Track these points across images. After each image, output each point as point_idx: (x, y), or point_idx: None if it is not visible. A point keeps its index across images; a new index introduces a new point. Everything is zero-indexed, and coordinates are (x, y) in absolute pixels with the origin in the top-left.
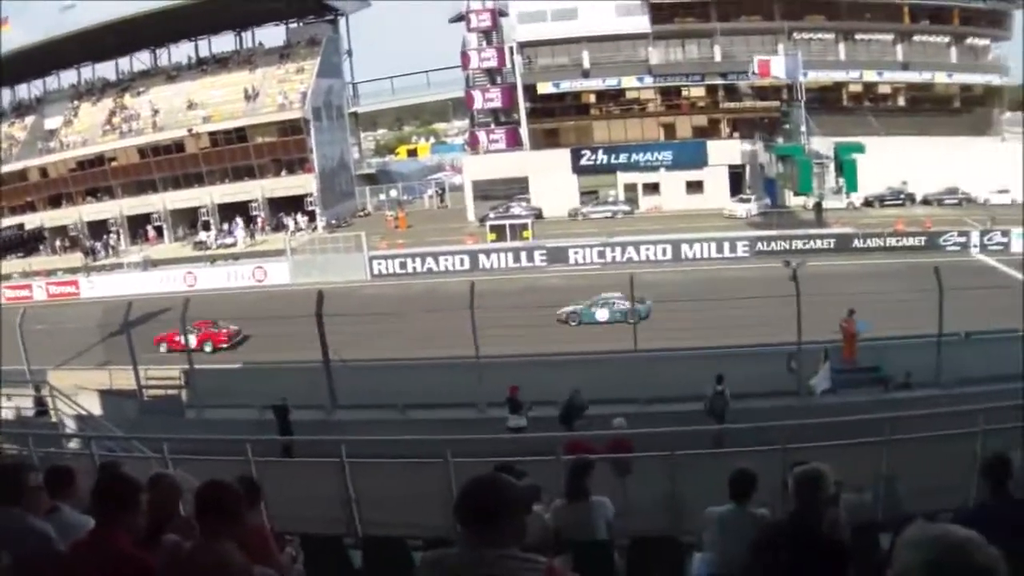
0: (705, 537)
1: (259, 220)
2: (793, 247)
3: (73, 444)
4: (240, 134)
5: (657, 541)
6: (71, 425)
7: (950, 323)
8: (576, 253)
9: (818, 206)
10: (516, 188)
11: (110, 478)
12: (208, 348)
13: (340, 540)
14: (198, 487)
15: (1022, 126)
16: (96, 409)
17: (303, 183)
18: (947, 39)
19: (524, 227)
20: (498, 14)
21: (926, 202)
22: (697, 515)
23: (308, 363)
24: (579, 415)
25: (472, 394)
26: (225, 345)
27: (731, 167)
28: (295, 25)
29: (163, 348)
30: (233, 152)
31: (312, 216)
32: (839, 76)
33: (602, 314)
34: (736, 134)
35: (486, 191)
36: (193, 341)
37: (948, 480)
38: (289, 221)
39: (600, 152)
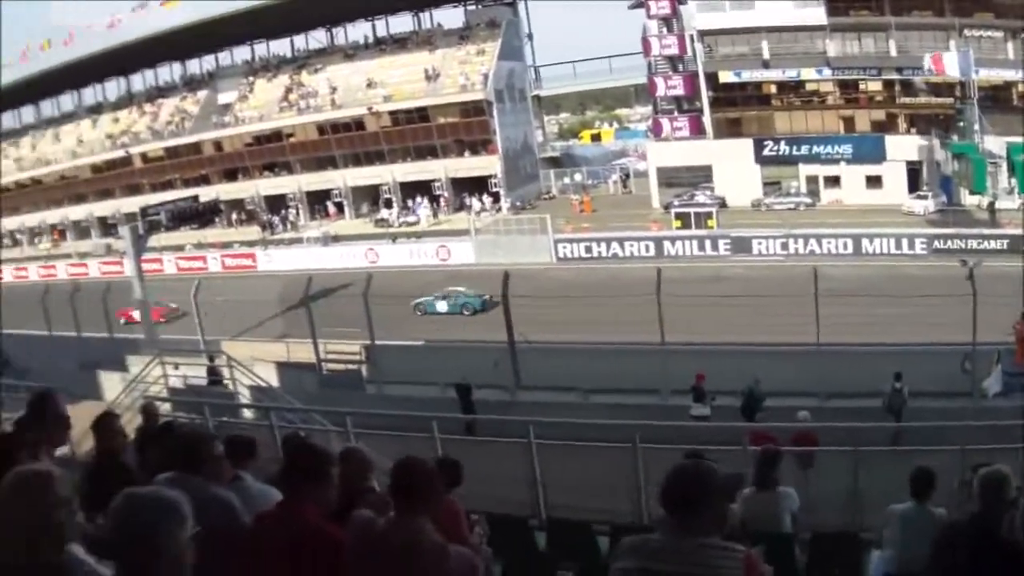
0: (885, 534)
1: (442, 199)
2: (968, 246)
3: (249, 414)
4: (422, 114)
5: (837, 536)
6: (247, 396)
7: None
8: (759, 244)
9: (991, 206)
10: (700, 176)
11: (302, 449)
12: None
13: (525, 522)
14: (395, 463)
15: None
16: (273, 381)
17: (487, 164)
18: None
19: (709, 215)
20: (677, 1)
21: None
22: (876, 511)
23: (490, 343)
24: (759, 406)
25: (655, 380)
26: (163, 321)
27: (908, 163)
28: (473, 7)
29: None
30: (415, 131)
31: (496, 197)
32: (1009, 75)
33: (442, 306)
34: (913, 130)
35: (670, 178)
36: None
37: None
38: (473, 201)
39: (782, 143)
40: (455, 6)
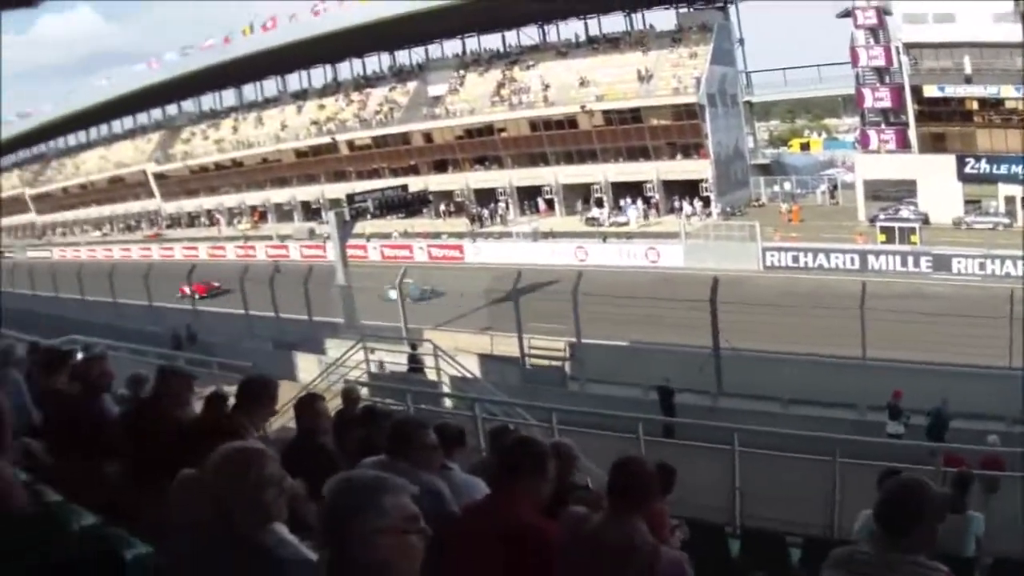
0: None
1: (653, 201)
2: None
3: (448, 403)
4: (635, 114)
5: (1020, 564)
6: (448, 385)
7: None
8: (959, 263)
9: None
10: (904, 190)
11: (519, 443)
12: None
13: (722, 528)
14: (616, 461)
15: None
16: (476, 372)
17: (698, 168)
18: None
19: (912, 231)
20: (883, 12)
21: None
22: None
23: (696, 347)
24: (945, 428)
25: (853, 395)
26: (204, 295)
27: None
28: (685, 10)
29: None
30: (627, 132)
31: (707, 202)
32: None
33: (392, 294)
34: None
35: (876, 191)
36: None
37: None
38: (684, 205)
39: (983, 161)
40: (667, 8)
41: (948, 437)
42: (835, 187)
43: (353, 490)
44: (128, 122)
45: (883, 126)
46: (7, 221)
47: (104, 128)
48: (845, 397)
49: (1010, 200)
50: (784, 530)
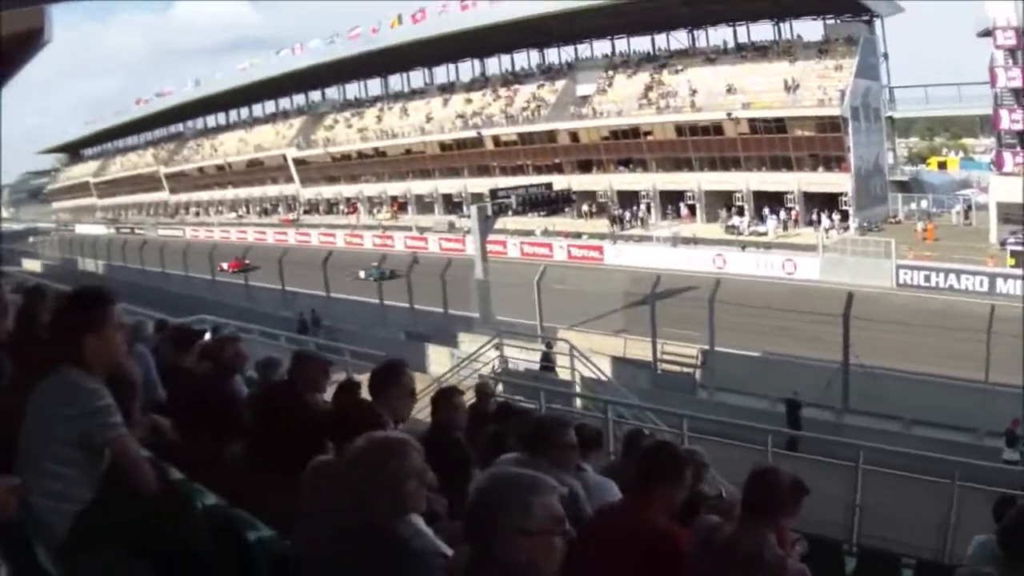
0: None
1: (793, 213)
2: None
3: (578, 403)
4: (779, 124)
5: None
6: (580, 386)
7: None
8: None
9: None
10: None
11: (659, 450)
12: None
13: (839, 546)
14: (753, 471)
15: None
16: (608, 374)
17: (839, 181)
18: None
19: None
20: (1022, 34)
21: None
22: None
23: (826, 362)
24: None
25: (972, 419)
26: (236, 269)
27: None
28: (832, 21)
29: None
30: (771, 141)
31: (845, 216)
32: None
33: (362, 274)
34: None
35: (1008, 214)
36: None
37: None
38: (823, 218)
39: None
40: (815, 19)
41: None
42: (969, 207)
43: (504, 487)
44: (270, 107)
45: (1019, 148)
46: (139, 199)
47: (245, 111)
48: (965, 420)
49: None
50: (898, 551)
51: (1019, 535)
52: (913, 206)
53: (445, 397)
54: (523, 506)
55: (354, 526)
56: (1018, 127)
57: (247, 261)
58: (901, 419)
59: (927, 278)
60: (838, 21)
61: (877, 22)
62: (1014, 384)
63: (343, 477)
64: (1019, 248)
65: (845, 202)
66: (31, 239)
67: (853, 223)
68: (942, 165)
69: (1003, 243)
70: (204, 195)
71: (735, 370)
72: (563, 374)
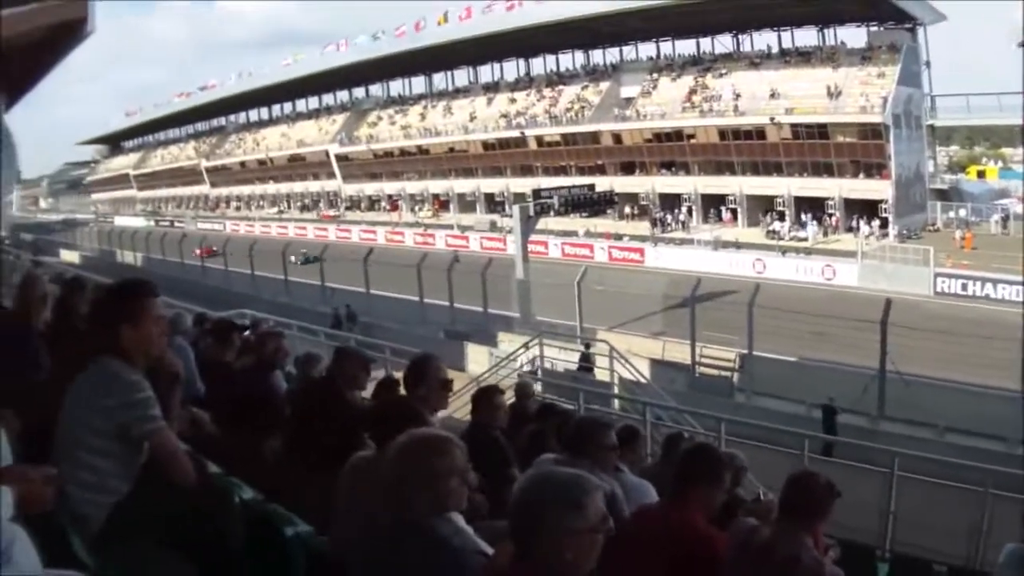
0: None
1: (834, 219)
2: None
3: (616, 404)
4: (821, 130)
5: None
6: (619, 387)
7: None
8: None
9: None
10: None
11: (699, 453)
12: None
13: (873, 551)
14: (791, 475)
15: None
16: (646, 376)
17: (879, 188)
18: None
19: None
20: None
21: None
22: None
23: (862, 368)
24: None
25: (1005, 427)
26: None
27: None
28: (875, 28)
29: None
30: (813, 147)
31: (885, 223)
32: None
33: (292, 259)
34: None
35: None
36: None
37: None
38: (862, 224)
39: None
40: (858, 26)
41: None
42: (1007, 217)
43: (553, 487)
44: (313, 102)
45: None
46: (180, 191)
47: (287, 106)
48: (998, 429)
49: None
50: (929, 557)
51: None
52: (952, 215)
53: (485, 396)
54: (574, 505)
55: (393, 523)
56: None
57: (214, 248)
58: (935, 426)
59: (964, 287)
60: (881, 28)
61: (920, 30)
62: None
63: (383, 474)
64: None
65: (885, 209)
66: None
67: (892, 230)
68: (981, 174)
69: None
70: (245, 189)
71: (772, 374)
72: (602, 375)
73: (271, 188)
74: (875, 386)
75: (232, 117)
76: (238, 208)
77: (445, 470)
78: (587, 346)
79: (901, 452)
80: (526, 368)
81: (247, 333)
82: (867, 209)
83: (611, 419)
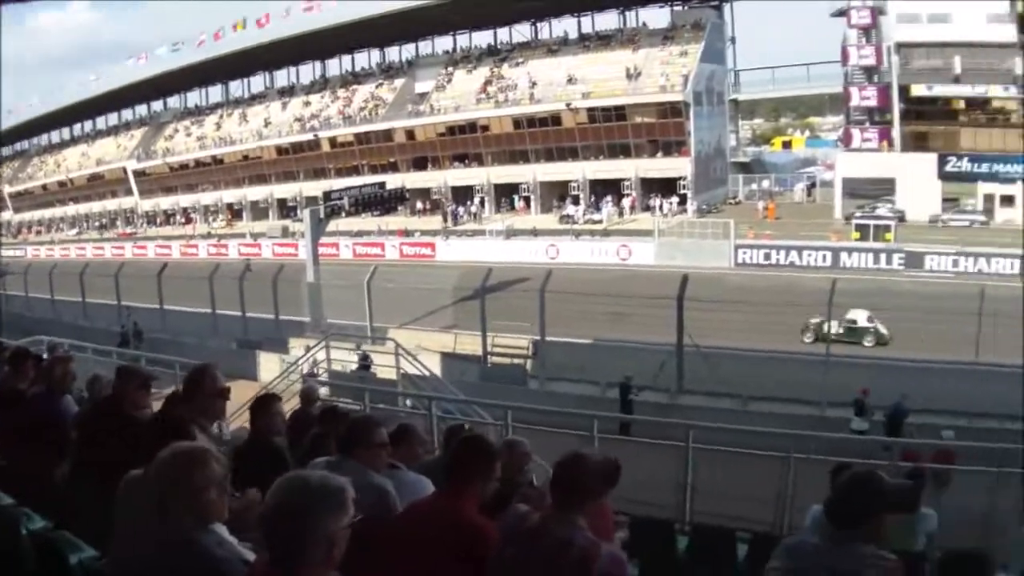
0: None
1: (630, 199)
2: None
3: (408, 403)
4: (619, 112)
5: (966, 556)
6: (406, 384)
7: None
8: (932, 260)
9: None
10: (884, 189)
11: (470, 443)
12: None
13: (671, 525)
14: (559, 458)
15: None
16: (437, 371)
17: (678, 166)
18: None
19: (887, 229)
20: (877, 12)
21: None
22: (1008, 533)
23: (659, 345)
24: (902, 423)
25: (815, 392)
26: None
27: None
28: (680, 7)
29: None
30: (610, 130)
31: (683, 199)
32: None
33: None
34: None
35: (854, 189)
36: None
37: None
38: (660, 202)
39: (965, 160)
40: (661, 6)
41: (908, 432)
42: (813, 185)
43: (294, 491)
44: (113, 119)
45: (867, 125)
46: None
47: (88, 124)
48: (807, 394)
49: (989, 198)
50: (732, 526)
51: (843, 504)
52: (754, 186)
53: (261, 405)
54: (322, 508)
55: (159, 538)
56: (868, 103)
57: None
58: (739, 396)
59: (767, 256)
60: (686, 7)
61: (726, 7)
62: (854, 355)
63: (149, 490)
64: (864, 222)
65: (684, 186)
66: None
67: (691, 206)
68: (787, 144)
69: (848, 218)
70: (47, 212)
71: (567, 358)
72: (388, 373)
73: (71, 209)
74: (673, 362)
75: (35, 140)
76: (38, 232)
77: (203, 482)
78: (358, 345)
79: (696, 424)
80: (316, 372)
81: (45, 359)
82: (665, 187)
83: (383, 418)
